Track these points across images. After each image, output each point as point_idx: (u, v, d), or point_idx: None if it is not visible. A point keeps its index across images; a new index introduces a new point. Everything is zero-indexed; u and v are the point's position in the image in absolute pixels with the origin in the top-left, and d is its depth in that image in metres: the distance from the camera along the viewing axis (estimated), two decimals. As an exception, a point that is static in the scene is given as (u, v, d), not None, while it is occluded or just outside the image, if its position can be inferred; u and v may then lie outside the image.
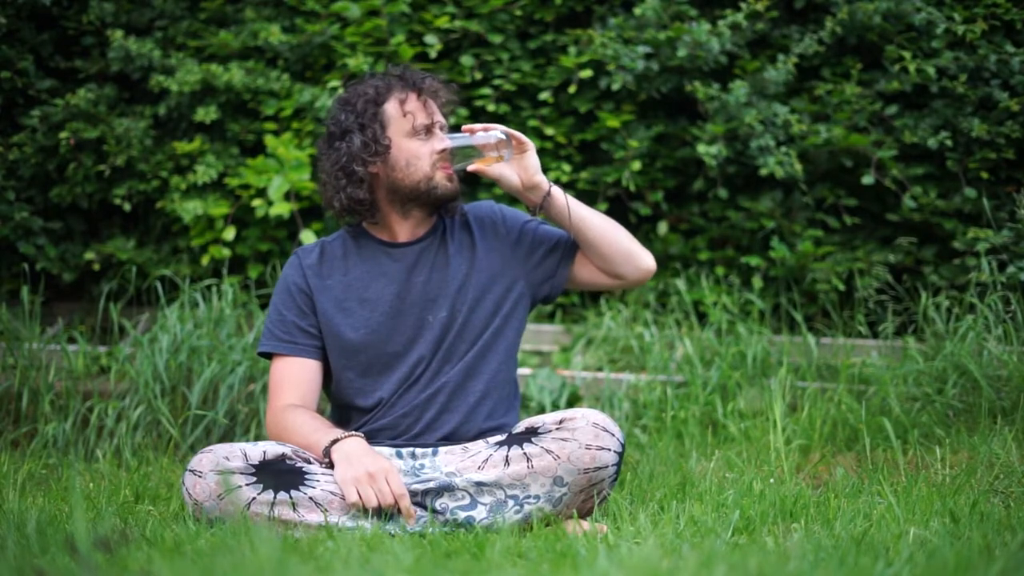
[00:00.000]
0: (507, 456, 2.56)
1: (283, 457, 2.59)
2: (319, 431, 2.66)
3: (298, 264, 2.88)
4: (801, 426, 3.50)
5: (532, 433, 2.58)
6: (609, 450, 2.53)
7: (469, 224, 2.91)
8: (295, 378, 2.80)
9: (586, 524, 2.49)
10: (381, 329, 2.79)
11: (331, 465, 2.60)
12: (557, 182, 4.56)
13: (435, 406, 2.75)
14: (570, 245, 2.90)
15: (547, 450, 2.54)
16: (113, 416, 3.73)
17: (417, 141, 2.81)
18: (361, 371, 2.79)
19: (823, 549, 2.07)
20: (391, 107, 2.81)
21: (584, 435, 2.54)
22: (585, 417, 2.57)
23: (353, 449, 2.59)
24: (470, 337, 2.79)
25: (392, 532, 2.50)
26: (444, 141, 2.80)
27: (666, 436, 3.60)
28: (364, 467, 2.54)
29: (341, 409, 2.85)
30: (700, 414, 3.73)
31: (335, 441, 2.61)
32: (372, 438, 2.75)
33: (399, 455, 2.73)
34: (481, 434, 2.74)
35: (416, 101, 2.82)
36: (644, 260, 2.84)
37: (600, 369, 4.11)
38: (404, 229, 2.87)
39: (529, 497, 2.53)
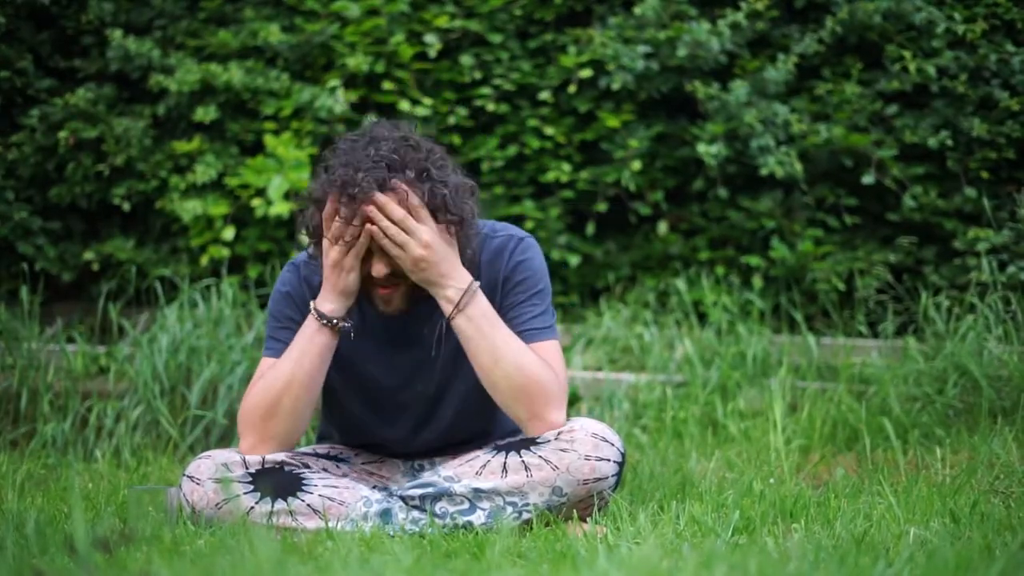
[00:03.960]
0: (505, 464, 2.54)
1: (281, 464, 2.57)
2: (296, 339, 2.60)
3: (299, 281, 2.69)
4: (801, 426, 3.50)
5: (531, 441, 2.55)
6: (609, 460, 2.51)
7: (479, 269, 2.65)
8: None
9: (586, 524, 2.48)
10: (370, 390, 2.70)
11: (327, 321, 2.56)
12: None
13: (418, 456, 2.73)
14: None
15: (546, 460, 2.51)
16: (112, 416, 3.73)
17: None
18: (349, 425, 2.76)
19: (823, 549, 2.07)
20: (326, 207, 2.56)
21: (583, 446, 2.50)
22: (584, 428, 2.53)
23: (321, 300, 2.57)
24: (470, 412, 2.67)
25: (391, 533, 2.49)
26: (376, 266, 2.53)
27: (666, 436, 3.59)
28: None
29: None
30: (700, 414, 3.73)
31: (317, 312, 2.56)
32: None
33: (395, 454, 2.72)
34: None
35: (345, 212, 2.50)
36: (544, 410, 2.53)
37: (600, 369, 4.11)
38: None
39: (528, 505, 2.51)
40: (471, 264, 2.60)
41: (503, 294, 2.63)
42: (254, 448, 2.56)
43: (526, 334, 2.60)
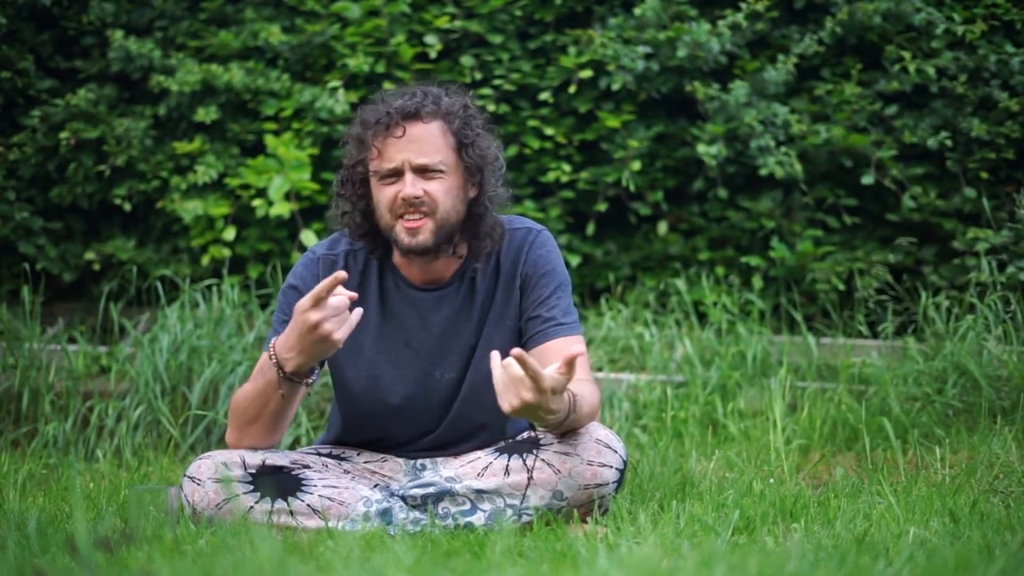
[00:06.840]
0: (507, 466, 2.54)
1: (281, 466, 2.58)
2: (258, 374, 2.52)
3: (317, 273, 2.66)
4: (801, 426, 3.50)
5: (534, 444, 2.56)
6: (611, 467, 2.51)
7: (499, 262, 2.67)
8: None
9: (586, 524, 2.49)
10: (382, 379, 2.66)
11: (295, 376, 2.49)
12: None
13: (434, 453, 2.71)
14: (538, 334, 2.65)
15: (548, 463, 2.52)
16: (113, 416, 3.73)
17: (382, 185, 2.56)
18: (359, 416, 2.71)
19: (823, 549, 2.07)
20: (371, 147, 2.59)
21: (586, 451, 2.51)
22: (589, 433, 2.53)
23: (281, 346, 2.47)
24: (481, 404, 2.59)
25: (392, 532, 2.50)
26: (409, 187, 2.52)
27: (666, 436, 3.59)
28: (297, 336, 2.41)
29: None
30: (700, 414, 3.73)
31: (275, 360, 2.47)
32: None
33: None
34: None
35: (387, 140, 2.54)
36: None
37: (600, 369, 4.11)
38: (414, 273, 2.67)
39: (528, 508, 2.52)
40: (493, 243, 2.64)
41: (527, 289, 2.66)
42: (238, 441, 2.60)
43: (553, 330, 2.62)
